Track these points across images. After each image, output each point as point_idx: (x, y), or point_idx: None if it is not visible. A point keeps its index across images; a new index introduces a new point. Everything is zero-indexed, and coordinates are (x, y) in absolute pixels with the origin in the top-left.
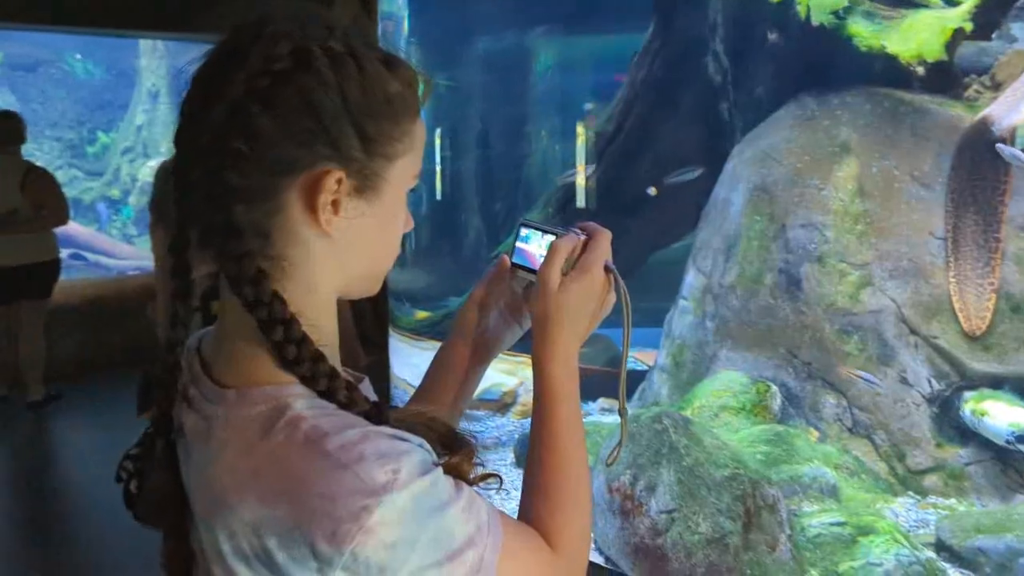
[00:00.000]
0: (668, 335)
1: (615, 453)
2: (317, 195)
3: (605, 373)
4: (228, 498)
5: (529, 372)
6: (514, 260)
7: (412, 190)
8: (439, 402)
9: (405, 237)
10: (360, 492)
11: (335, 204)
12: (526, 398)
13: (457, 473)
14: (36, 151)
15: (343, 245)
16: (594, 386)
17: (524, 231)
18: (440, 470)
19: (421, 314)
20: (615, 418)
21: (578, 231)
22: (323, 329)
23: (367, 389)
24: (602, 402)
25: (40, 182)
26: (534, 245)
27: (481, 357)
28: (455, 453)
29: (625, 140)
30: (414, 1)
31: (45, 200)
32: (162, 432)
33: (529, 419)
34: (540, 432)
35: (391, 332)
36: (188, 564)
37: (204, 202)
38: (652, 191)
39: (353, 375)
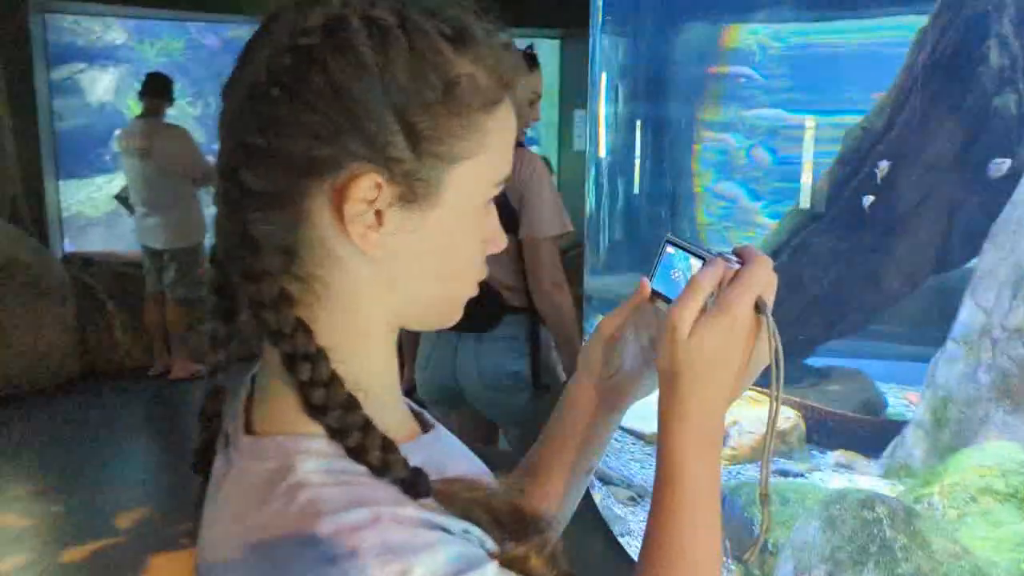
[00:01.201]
0: (930, 384)
1: (752, 550)
2: (346, 203)
3: (852, 420)
4: (215, 570)
5: (747, 409)
6: (654, 285)
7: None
8: (560, 453)
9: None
10: None
11: (378, 215)
12: (737, 440)
13: (521, 569)
14: None
15: (393, 266)
16: (832, 433)
17: (669, 249)
18: (491, 567)
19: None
20: (844, 480)
21: (732, 258)
22: (368, 369)
23: (428, 446)
24: (839, 455)
25: None
26: (679, 270)
27: (611, 404)
28: (521, 542)
29: (898, 137)
30: None
31: None
32: (199, 468)
33: (736, 467)
34: (657, 517)
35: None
36: None
37: (222, 208)
38: (869, 199)
39: (422, 420)
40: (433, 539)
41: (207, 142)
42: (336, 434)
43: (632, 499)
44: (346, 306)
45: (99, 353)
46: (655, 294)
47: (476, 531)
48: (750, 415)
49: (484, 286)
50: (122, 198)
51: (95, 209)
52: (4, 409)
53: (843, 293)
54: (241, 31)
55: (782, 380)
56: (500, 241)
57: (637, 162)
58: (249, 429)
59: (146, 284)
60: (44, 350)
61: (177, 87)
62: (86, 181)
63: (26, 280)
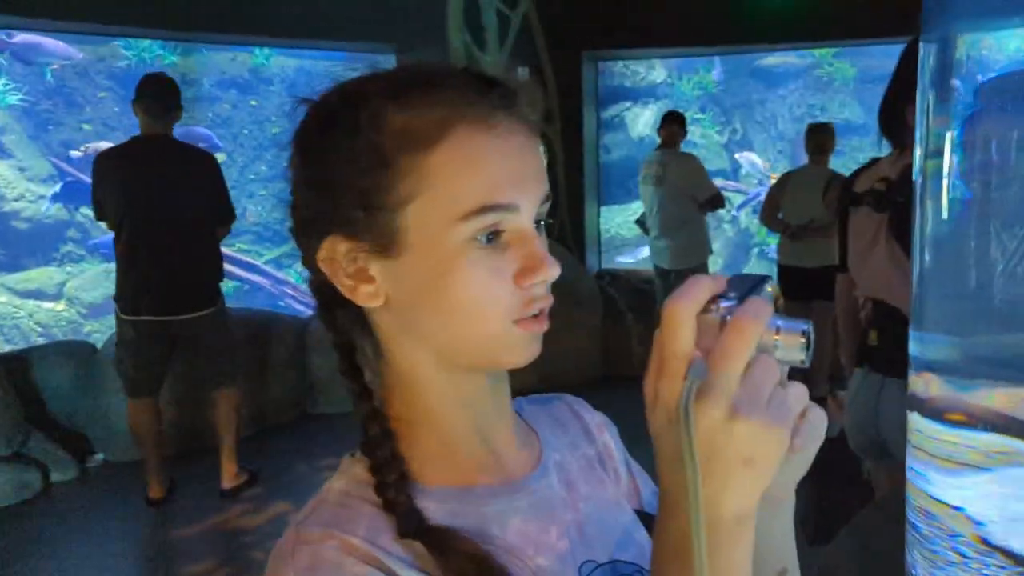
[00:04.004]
0: None
1: None
2: (321, 264)
3: None
4: None
5: None
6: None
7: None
8: None
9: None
10: None
11: (360, 272)
12: None
13: None
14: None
15: (402, 312)
16: None
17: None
18: None
19: (998, 396)
20: None
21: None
22: (422, 409)
23: (485, 497)
24: None
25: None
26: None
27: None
28: None
29: None
30: None
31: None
32: None
33: None
34: None
35: None
36: None
37: None
38: None
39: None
40: (357, 572)
41: (728, 167)
42: (371, 467)
43: None
44: (387, 354)
45: (618, 358)
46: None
47: None
48: None
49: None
50: (640, 222)
51: (630, 231)
52: None
53: None
54: (772, 59)
55: (699, 490)
56: (541, 270)
57: (945, 182)
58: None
59: (657, 300)
60: (574, 353)
61: (708, 117)
62: (623, 206)
63: (561, 291)
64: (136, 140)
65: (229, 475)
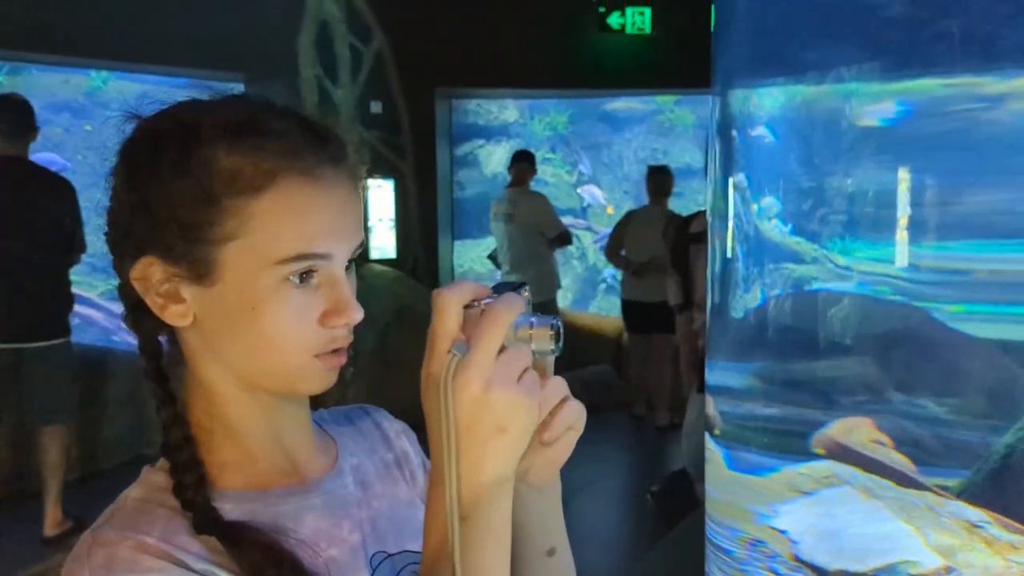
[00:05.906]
0: None
1: None
2: (135, 281)
3: None
4: None
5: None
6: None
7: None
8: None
9: None
10: None
11: (172, 293)
12: None
13: None
14: None
15: (207, 334)
16: None
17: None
18: None
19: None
20: None
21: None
22: (224, 421)
23: (282, 498)
24: None
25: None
26: None
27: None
28: None
29: None
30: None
31: None
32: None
33: None
34: None
35: None
36: None
37: None
38: None
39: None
40: (151, 566)
41: (578, 205)
42: (171, 470)
43: None
44: (190, 366)
45: None
46: None
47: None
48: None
49: None
50: (492, 257)
51: (483, 266)
52: None
53: None
54: (618, 103)
55: (455, 466)
56: (346, 314)
57: (730, 224)
58: None
59: None
60: None
61: (558, 157)
62: (477, 241)
63: (416, 324)
64: None
65: (53, 521)
